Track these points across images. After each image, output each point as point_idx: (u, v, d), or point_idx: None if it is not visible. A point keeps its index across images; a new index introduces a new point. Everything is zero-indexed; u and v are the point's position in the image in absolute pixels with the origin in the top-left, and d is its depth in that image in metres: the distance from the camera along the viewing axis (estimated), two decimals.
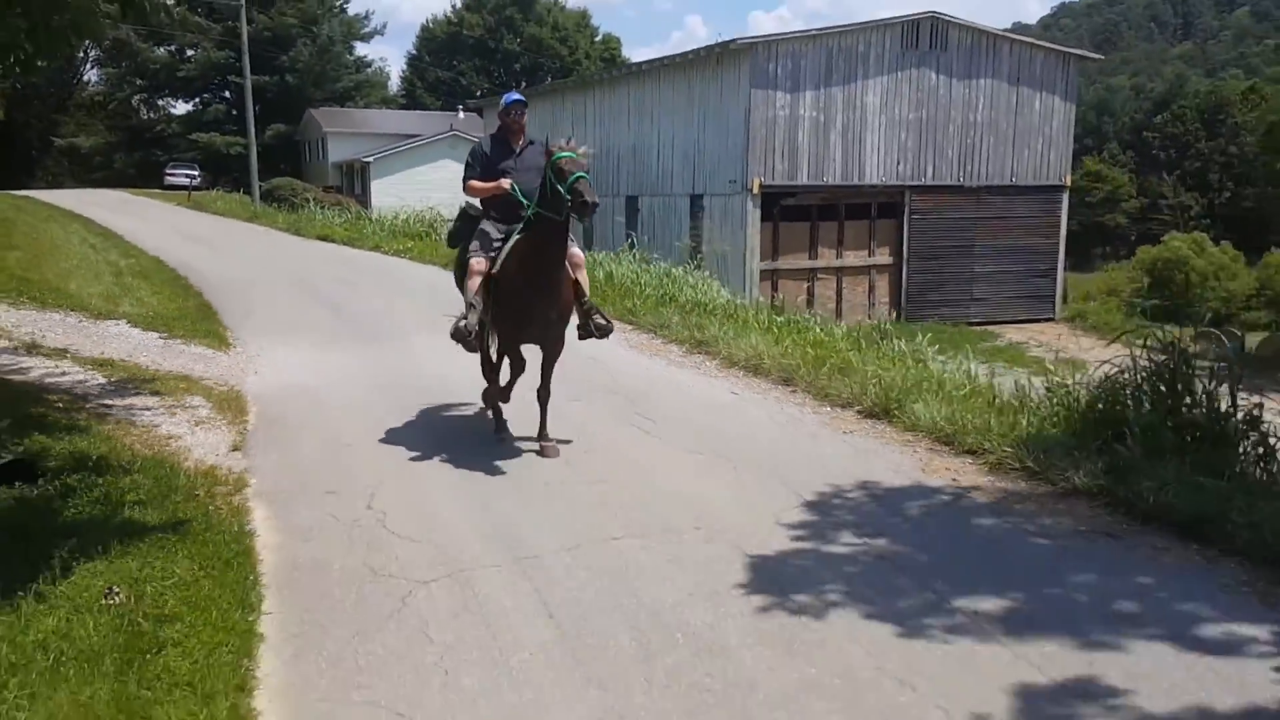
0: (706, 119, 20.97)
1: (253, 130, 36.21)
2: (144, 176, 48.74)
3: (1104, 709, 3.45)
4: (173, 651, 3.89)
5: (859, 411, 7.59)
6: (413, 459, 6.66)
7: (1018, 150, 21.87)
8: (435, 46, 60.88)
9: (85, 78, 55.68)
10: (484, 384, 7.36)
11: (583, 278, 6.86)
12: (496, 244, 6.64)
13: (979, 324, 21.67)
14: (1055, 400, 6.72)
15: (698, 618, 4.29)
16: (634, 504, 5.71)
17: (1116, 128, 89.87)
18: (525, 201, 6.35)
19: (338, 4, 55.38)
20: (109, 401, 8.06)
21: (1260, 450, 6.02)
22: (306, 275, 17.20)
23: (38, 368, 9.06)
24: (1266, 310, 47.37)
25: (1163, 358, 6.55)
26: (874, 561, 4.84)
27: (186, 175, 44.89)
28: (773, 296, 19.71)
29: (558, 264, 6.35)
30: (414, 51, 62.50)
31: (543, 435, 6.72)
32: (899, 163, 21.04)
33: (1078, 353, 16.15)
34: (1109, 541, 4.97)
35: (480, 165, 6.79)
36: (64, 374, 8.91)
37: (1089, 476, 5.61)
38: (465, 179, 6.88)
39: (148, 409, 7.91)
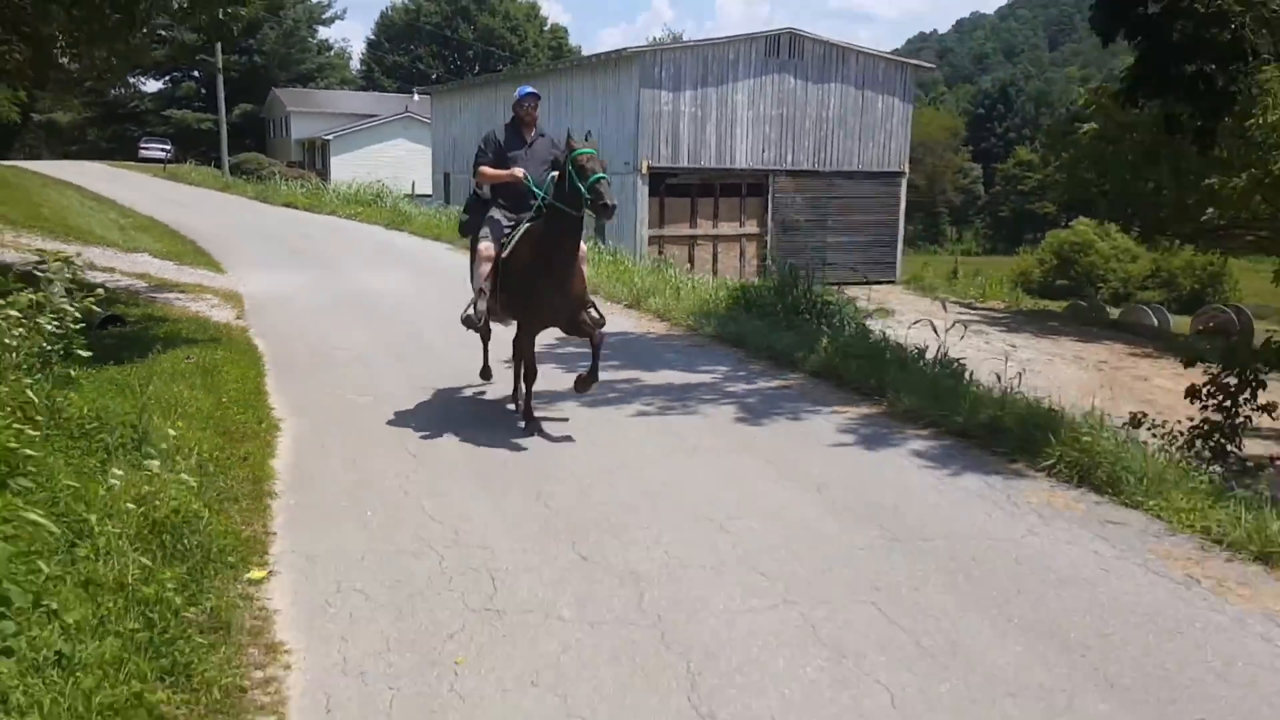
0: (608, 110, 25.58)
1: (223, 109, 40.28)
2: (118, 150, 52.27)
3: (627, 383, 8.24)
4: (225, 374, 8.46)
5: (625, 304, 12.36)
6: (347, 322, 11.29)
7: (863, 143, 26.78)
8: (394, 33, 64.94)
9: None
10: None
11: (584, 271, 6.99)
12: (506, 230, 6.87)
13: (831, 284, 26.49)
14: (725, 294, 11.54)
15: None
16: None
17: (1053, 118, 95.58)
18: (536, 191, 6.61)
19: None
20: (153, 295, 12.60)
21: (827, 318, 10.89)
22: (275, 231, 21.66)
23: (99, 276, 13.53)
24: (1160, 290, 52.79)
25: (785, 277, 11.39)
26: (582, 353, 9.58)
27: (160, 149, 48.62)
28: (659, 257, 24.39)
29: (571, 256, 6.54)
30: (373, 37, 66.44)
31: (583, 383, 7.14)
32: (764, 150, 25.79)
33: (881, 301, 21.26)
34: (699, 349, 9.83)
35: (492, 152, 6.99)
36: (118, 280, 13.43)
37: (713, 327, 10.41)
38: (476, 164, 7.07)
39: (179, 299, 12.47)
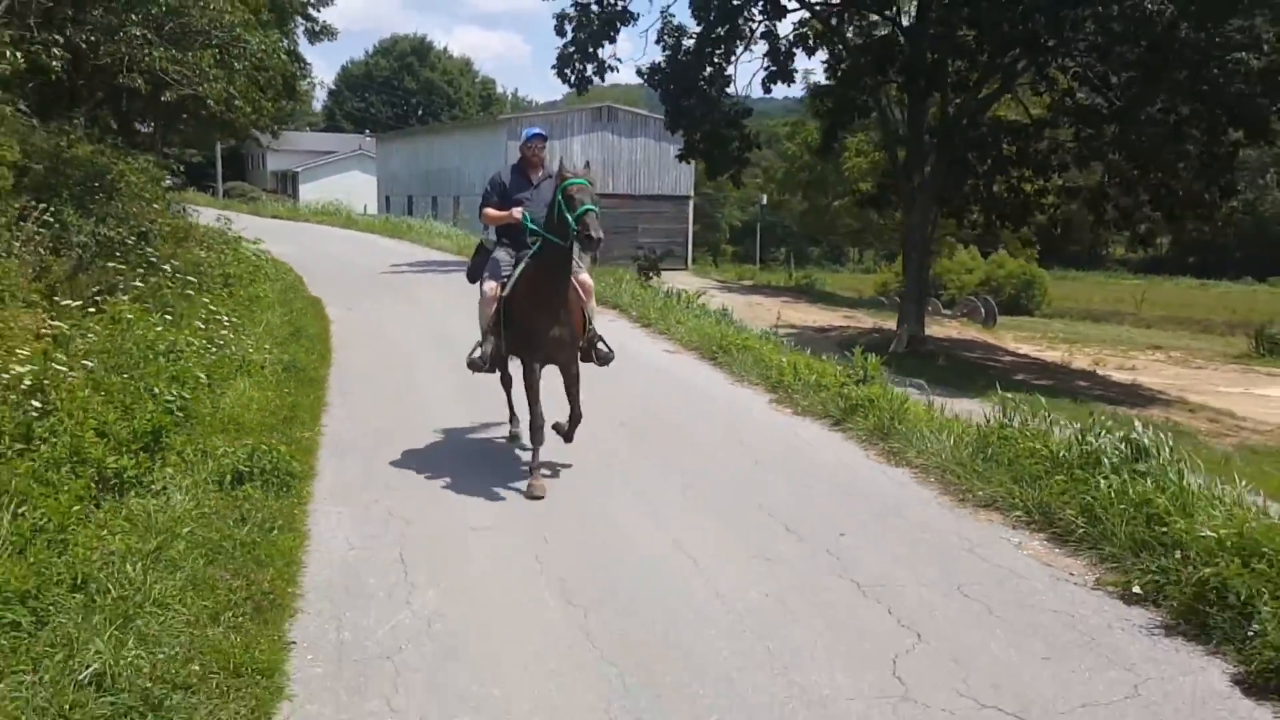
0: (488, 155, 38.82)
1: (219, 148, 53.10)
2: None
3: (422, 265, 21.55)
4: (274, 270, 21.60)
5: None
6: (319, 260, 24.49)
7: (661, 177, 40.27)
8: (352, 83, 78.18)
9: None
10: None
11: (591, 306, 7.02)
12: (506, 271, 6.85)
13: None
14: None
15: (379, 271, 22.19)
16: (373, 254, 23.62)
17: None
18: (533, 228, 6.56)
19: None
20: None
21: None
22: (271, 229, 34.71)
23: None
24: (990, 295, 66.90)
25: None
26: (429, 273, 22.84)
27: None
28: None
29: (563, 285, 6.54)
30: (334, 87, 79.71)
31: (534, 467, 6.67)
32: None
33: (669, 279, 34.84)
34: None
35: (498, 194, 6.98)
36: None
37: None
38: (481, 206, 7.08)
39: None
